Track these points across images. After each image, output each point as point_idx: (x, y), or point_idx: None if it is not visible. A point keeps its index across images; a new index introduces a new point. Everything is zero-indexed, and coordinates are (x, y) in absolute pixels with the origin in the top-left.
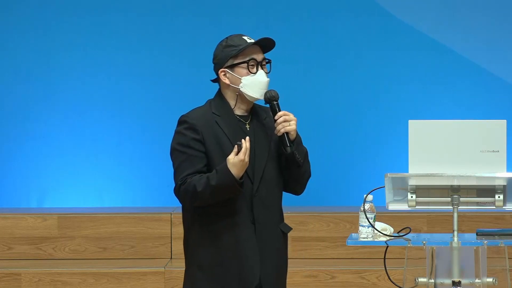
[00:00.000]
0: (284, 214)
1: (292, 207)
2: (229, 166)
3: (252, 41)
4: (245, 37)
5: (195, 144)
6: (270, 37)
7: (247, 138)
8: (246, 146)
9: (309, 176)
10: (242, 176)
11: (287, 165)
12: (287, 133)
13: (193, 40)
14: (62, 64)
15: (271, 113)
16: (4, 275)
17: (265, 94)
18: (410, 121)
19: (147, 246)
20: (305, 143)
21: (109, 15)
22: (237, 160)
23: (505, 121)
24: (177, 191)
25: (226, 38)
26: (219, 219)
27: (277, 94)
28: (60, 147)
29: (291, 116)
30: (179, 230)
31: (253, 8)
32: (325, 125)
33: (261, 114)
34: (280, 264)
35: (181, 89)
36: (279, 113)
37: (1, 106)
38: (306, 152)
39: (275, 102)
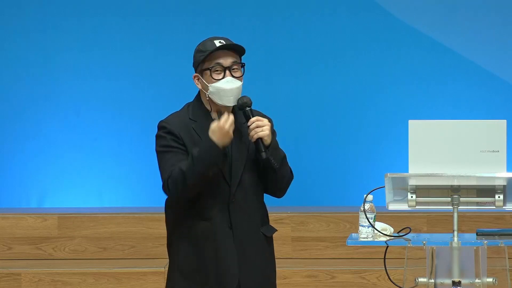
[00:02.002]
0: (284, 214)
1: (292, 207)
2: (210, 133)
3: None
4: (216, 41)
5: (177, 143)
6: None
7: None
8: (228, 116)
9: (289, 179)
10: (225, 148)
11: (264, 169)
12: (261, 138)
13: (193, 41)
14: (61, 64)
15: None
16: (4, 275)
17: (237, 101)
18: (410, 121)
19: (147, 246)
20: (305, 143)
21: (109, 16)
22: (216, 126)
23: (505, 121)
24: (166, 185)
25: (201, 42)
26: (197, 225)
27: (249, 100)
28: (60, 147)
29: (265, 121)
30: None
31: (252, 8)
32: (325, 125)
33: (240, 116)
34: (263, 267)
35: (181, 89)
36: (252, 119)
37: (1, 106)
38: (284, 157)
39: (247, 109)
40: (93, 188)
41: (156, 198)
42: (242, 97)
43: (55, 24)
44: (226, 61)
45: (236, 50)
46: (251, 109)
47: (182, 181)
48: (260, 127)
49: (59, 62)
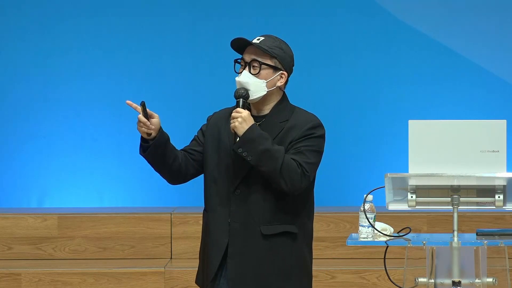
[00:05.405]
0: None
1: None
2: None
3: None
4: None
5: (199, 133)
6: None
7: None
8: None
9: (276, 174)
10: (153, 135)
11: None
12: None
13: (193, 40)
14: (61, 64)
15: (297, 117)
16: (4, 275)
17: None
18: (410, 121)
19: (147, 246)
20: None
21: (108, 16)
22: None
23: (505, 121)
24: None
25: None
26: (204, 216)
27: (242, 93)
28: (60, 147)
29: (238, 114)
30: (179, 230)
31: (252, 8)
32: (325, 125)
33: (278, 116)
34: (255, 265)
35: (181, 89)
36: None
37: (1, 106)
38: (265, 150)
39: (237, 100)
40: (93, 188)
41: (156, 198)
42: (239, 88)
43: (55, 24)
44: (246, 57)
45: (259, 47)
46: (242, 101)
47: None
48: (233, 119)
49: (59, 62)
